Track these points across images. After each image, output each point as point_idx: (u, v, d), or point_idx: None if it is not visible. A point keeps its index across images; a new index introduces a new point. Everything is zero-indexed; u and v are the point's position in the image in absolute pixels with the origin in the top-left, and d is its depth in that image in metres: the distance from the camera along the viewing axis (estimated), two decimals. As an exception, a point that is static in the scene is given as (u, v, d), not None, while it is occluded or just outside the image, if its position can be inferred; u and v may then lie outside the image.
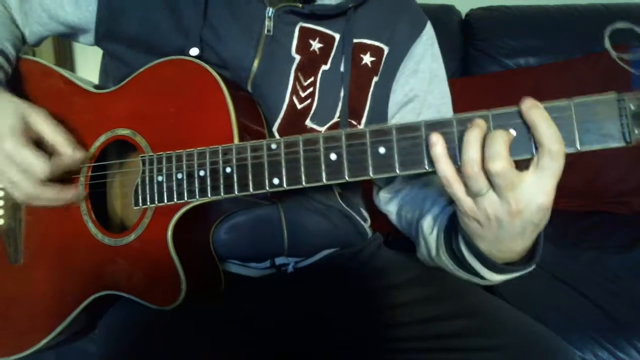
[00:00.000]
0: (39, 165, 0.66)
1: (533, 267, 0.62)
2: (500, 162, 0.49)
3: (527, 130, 0.51)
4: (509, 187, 0.51)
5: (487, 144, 0.50)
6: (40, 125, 0.69)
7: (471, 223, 0.57)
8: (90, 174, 0.75)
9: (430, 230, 0.72)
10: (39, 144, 0.69)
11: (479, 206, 0.53)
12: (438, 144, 0.52)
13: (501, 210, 0.52)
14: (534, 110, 0.49)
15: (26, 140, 0.67)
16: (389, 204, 0.87)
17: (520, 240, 0.56)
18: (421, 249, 0.75)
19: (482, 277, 0.65)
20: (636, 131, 0.48)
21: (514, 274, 0.63)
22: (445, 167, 0.53)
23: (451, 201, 0.60)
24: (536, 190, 0.51)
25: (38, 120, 0.69)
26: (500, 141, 0.49)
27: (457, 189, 0.54)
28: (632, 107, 0.48)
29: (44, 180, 0.68)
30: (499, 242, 0.57)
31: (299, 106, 0.75)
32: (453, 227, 0.65)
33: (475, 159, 0.50)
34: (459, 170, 0.53)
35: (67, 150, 0.69)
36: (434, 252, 0.71)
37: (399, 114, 0.81)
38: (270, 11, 0.74)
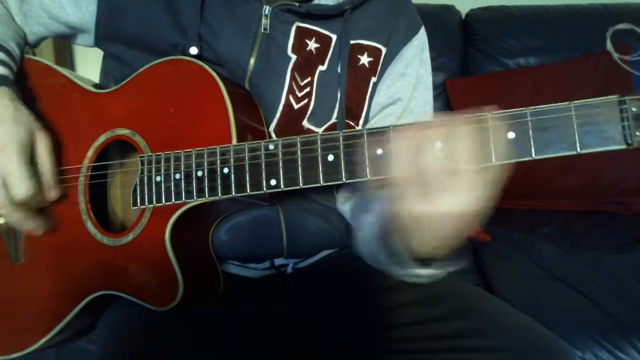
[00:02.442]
0: (22, 186, 0.67)
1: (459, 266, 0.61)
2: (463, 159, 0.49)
3: (526, 132, 0.51)
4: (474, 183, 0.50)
5: (453, 141, 0.50)
6: (41, 149, 0.70)
7: (411, 222, 0.54)
8: (89, 173, 0.75)
9: (372, 220, 0.69)
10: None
11: (428, 203, 0.51)
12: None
13: (449, 208, 0.50)
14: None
15: (28, 156, 0.68)
16: (346, 203, 0.84)
17: (456, 236, 0.55)
18: (361, 239, 0.72)
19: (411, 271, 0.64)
20: (637, 133, 0.48)
21: (442, 270, 0.63)
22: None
23: None
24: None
25: (42, 144, 0.70)
26: (464, 138, 0.50)
27: (411, 187, 0.51)
28: (634, 109, 0.48)
29: (17, 202, 0.68)
30: (434, 236, 0.55)
31: (296, 106, 0.75)
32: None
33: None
34: None
35: (49, 184, 0.72)
36: (375, 242, 0.69)
37: (379, 115, 0.80)
38: (267, 9, 0.74)
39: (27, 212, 0.71)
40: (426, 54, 0.84)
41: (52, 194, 0.73)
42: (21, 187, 0.67)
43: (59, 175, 0.74)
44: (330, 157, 0.58)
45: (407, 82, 0.80)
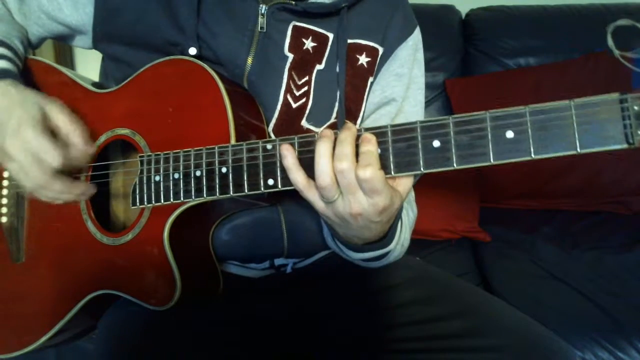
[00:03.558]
0: (52, 154, 0.66)
1: (390, 246, 0.68)
2: (346, 162, 0.54)
3: (525, 131, 0.51)
4: (350, 188, 0.55)
5: (337, 145, 0.55)
6: (57, 116, 0.69)
7: (326, 219, 0.63)
8: (90, 173, 0.75)
9: None
10: (53, 136, 0.68)
11: (328, 208, 0.59)
12: (288, 156, 0.58)
13: (345, 213, 0.58)
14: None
15: (44, 129, 0.66)
16: None
17: (368, 232, 0.63)
18: (325, 232, 0.78)
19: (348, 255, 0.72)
20: (639, 132, 0.47)
21: (372, 252, 0.68)
22: (296, 177, 0.58)
23: None
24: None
25: (55, 111, 0.69)
26: (347, 143, 0.55)
27: (311, 195, 0.59)
28: (636, 108, 0.47)
29: (55, 171, 0.67)
30: (349, 231, 0.63)
31: (294, 105, 0.75)
32: None
33: (327, 171, 0.55)
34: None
35: (80, 142, 0.69)
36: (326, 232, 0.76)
37: (374, 115, 0.81)
38: (263, 8, 0.74)
39: (67, 180, 0.69)
40: (420, 54, 0.84)
41: (85, 151, 0.70)
42: (50, 157, 0.65)
43: (86, 131, 0.70)
44: None
45: (401, 82, 0.80)
